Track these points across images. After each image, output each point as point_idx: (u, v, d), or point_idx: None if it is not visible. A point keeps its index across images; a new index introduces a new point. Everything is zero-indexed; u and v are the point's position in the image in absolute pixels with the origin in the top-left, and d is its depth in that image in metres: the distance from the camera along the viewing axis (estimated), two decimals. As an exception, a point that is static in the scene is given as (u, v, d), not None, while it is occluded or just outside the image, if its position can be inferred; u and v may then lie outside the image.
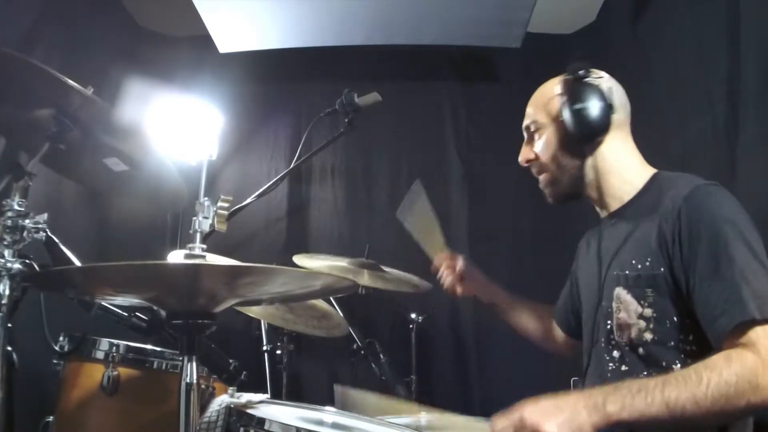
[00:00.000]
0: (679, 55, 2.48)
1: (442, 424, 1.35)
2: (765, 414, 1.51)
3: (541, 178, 1.64)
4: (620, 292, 1.43)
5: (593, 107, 1.48)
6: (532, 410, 1.18)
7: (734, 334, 1.20)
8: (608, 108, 1.49)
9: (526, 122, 1.66)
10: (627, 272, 1.43)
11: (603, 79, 1.52)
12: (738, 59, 2.06)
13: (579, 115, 1.48)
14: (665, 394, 1.14)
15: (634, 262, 1.41)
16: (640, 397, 1.15)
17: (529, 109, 1.66)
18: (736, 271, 1.23)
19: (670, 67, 2.51)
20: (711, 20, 2.24)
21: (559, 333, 1.93)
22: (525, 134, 1.68)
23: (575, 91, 1.50)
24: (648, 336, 1.37)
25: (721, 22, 2.16)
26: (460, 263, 2.00)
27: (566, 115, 1.50)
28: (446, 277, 2.01)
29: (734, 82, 2.09)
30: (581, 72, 1.51)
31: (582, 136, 1.51)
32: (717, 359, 1.17)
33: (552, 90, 1.59)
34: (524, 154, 1.66)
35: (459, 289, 2.00)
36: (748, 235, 1.28)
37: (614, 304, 1.45)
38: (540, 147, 1.61)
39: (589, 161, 1.55)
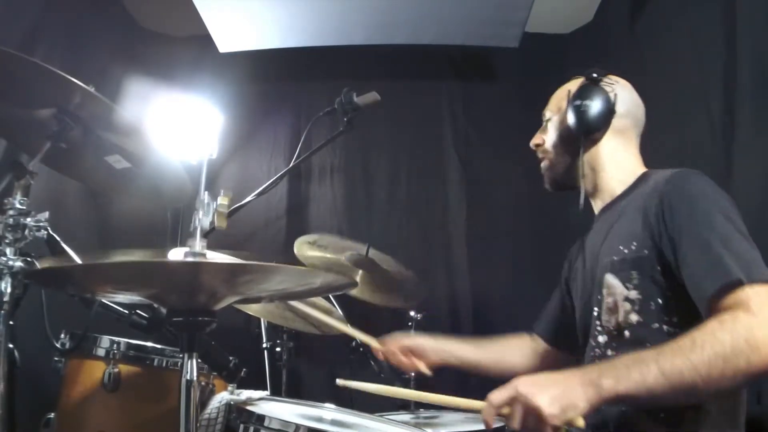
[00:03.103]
0: (676, 54, 2.49)
1: (438, 403, 1.36)
2: (762, 413, 1.54)
3: (541, 164, 1.75)
4: (608, 277, 1.46)
5: (592, 107, 1.57)
6: (526, 383, 1.19)
7: (721, 298, 1.20)
8: (608, 111, 1.58)
9: (544, 111, 1.76)
10: (614, 258, 1.46)
11: (614, 86, 1.60)
12: (734, 58, 2.08)
13: (577, 110, 1.59)
14: (660, 363, 1.12)
15: (621, 247, 1.45)
16: (636, 368, 1.14)
17: (550, 100, 1.77)
18: (717, 240, 1.25)
19: (667, 66, 2.52)
20: (708, 20, 2.25)
21: (540, 348, 1.90)
22: (544, 123, 1.78)
23: (581, 90, 1.60)
24: (634, 318, 1.39)
25: (717, 22, 2.18)
26: (404, 342, 1.93)
27: (569, 109, 1.61)
28: (401, 362, 1.93)
29: (731, 82, 2.10)
30: (594, 75, 1.61)
31: (575, 130, 1.60)
32: (709, 322, 1.16)
33: (568, 87, 1.69)
34: (534, 139, 1.77)
35: (423, 368, 1.94)
36: (726, 209, 1.32)
37: (603, 290, 1.48)
38: (548, 136, 1.72)
39: (585, 156, 1.63)
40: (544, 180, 1.74)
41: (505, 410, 1.20)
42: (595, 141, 1.62)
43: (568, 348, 1.82)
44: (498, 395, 1.21)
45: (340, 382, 1.48)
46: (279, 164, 3.44)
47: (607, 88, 1.59)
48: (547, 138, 1.71)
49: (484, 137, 3.48)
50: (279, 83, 3.56)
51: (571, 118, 1.60)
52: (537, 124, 1.79)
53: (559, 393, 1.15)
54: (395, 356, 1.92)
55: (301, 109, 3.51)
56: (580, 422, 1.15)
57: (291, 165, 2.27)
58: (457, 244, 3.37)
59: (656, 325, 1.36)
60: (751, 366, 1.10)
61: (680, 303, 1.33)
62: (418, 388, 2.77)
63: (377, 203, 3.45)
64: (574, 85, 1.66)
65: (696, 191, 1.36)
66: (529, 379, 1.20)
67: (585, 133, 1.60)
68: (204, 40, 3.22)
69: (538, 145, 1.75)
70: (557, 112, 1.70)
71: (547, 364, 1.87)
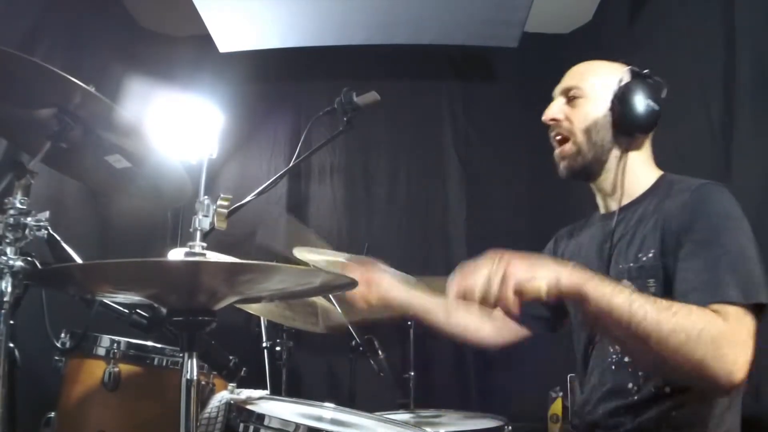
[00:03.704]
0: (675, 54, 2.49)
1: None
2: (761, 411, 1.54)
3: (564, 147, 1.58)
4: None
5: (650, 107, 1.48)
6: (502, 253, 1.21)
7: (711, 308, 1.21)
8: (659, 114, 1.50)
9: (568, 84, 1.60)
10: (631, 264, 1.45)
11: (663, 89, 1.54)
12: (733, 58, 2.08)
13: (636, 107, 1.48)
14: (632, 298, 1.16)
15: (640, 255, 1.44)
16: (610, 285, 1.18)
17: (576, 74, 1.61)
18: (724, 255, 1.26)
19: (666, 66, 2.51)
20: (707, 20, 2.26)
21: (500, 318, 1.82)
22: (560, 96, 1.62)
23: (642, 86, 1.49)
24: None
25: (716, 22, 2.18)
26: (370, 274, 1.76)
27: (624, 102, 1.49)
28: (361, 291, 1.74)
29: (730, 81, 2.11)
30: (648, 71, 1.53)
31: (628, 129, 1.51)
32: (693, 306, 1.18)
33: (613, 70, 1.57)
34: (553, 112, 1.59)
35: (372, 301, 1.74)
36: (745, 229, 1.33)
37: None
38: (577, 115, 1.56)
39: (620, 153, 1.55)
40: (561, 167, 1.60)
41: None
42: (637, 142, 1.55)
43: (532, 326, 1.81)
44: (485, 261, 1.23)
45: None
46: (279, 164, 3.45)
47: (662, 91, 1.52)
48: (577, 118, 1.55)
49: (483, 137, 3.49)
50: (279, 83, 3.57)
51: (626, 112, 1.48)
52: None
53: (533, 261, 1.20)
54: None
55: (301, 109, 3.52)
56: (543, 291, 1.17)
57: (291, 165, 2.28)
58: (456, 244, 3.38)
59: None
60: (703, 365, 1.13)
61: None
62: (418, 389, 2.79)
63: (377, 203, 3.46)
64: (620, 70, 1.55)
65: (720, 208, 1.35)
66: (515, 252, 1.22)
67: (633, 132, 1.52)
68: (204, 40, 3.23)
69: (557, 120, 1.58)
70: (598, 93, 1.54)
71: (506, 335, 1.83)
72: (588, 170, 1.58)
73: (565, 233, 1.82)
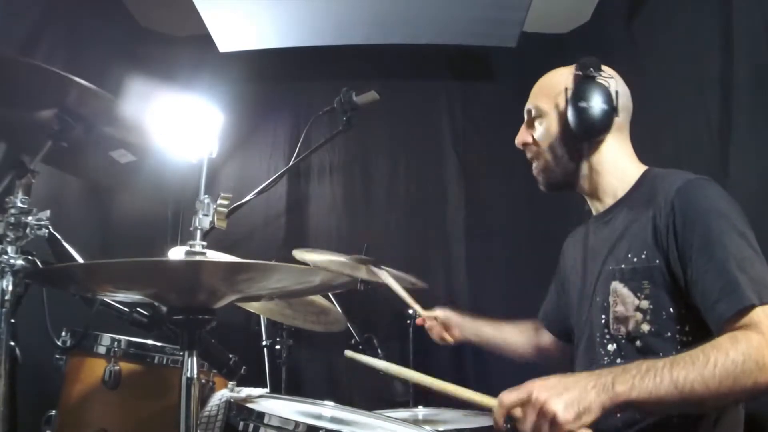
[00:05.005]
0: (672, 53, 2.50)
1: (450, 392, 1.36)
2: (759, 411, 1.55)
3: (535, 164, 1.66)
4: (616, 285, 1.45)
5: (597, 108, 1.49)
6: (540, 387, 1.18)
7: (734, 319, 1.22)
8: (612, 110, 1.50)
9: (528, 105, 1.66)
10: (623, 266, 1.44)
11: (612, 80, 1.52)
12: (731, 59, 2.08)
13: (583, 113, 1.49)
14: (674, 375, 1.14)
15: (630, 255, 1.43)
16: (649, 377, 1.15)
17: (535, 92, 1.67)
18: (731, 259, 1.26)
19: (664, 66, 2.53)
20: (704, 20, 2.26)
21: (548, 340, 1.94)
22: (525, 116, 1.68)
23: (583, 89, 1.51)
24: (645, 328, 1.39)
25: (714, 22, 2.19)
26: (440, 315, 2.10)
27: (570, 111, 1.51)
28: (433, 332, 2.11)
29: (727, 81, 2.11)
30: (591, 69, 1.52)
31: (582, 135, 1.52)
32: (723, 340, 1.18)
33: (560, 80, 1.59)
34: (521, 137, 1.67)
35: (449, 338, 2.09)
36: (740, 225, 1.31)
37: (611, 298, 1.46)
38: (539, 134, 1.62)
39: (587, 158, 1.57)
40: (539, 182, 1.67)
41: (517, 412, 1.19)
42: (598, 142, 1.55)
43: (566, 338, 1.85)
44: (510, 396, 1.20)
45: (348, 353, 1.48)
46: (278, 163, 3.45)
47: (605, 84, 1.50)
48: (540, 137, 1.61)
49: (482, 136, 3.48)
50: (278, 82, 3.57)
51: (574, 120, 1.50)
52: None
53: (574, 397, 1.15)
54: (434, 326, 2.09)
55: (300, 109, 3.52)
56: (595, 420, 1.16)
57: (290, 164, 2.29)
58: (455, 243, 3.38)
59: (668, 334, 1.37)
60: (757, 385, 1.14)
61: (692, 312, 1.33)
62: (416, 386, 2.79)
63: (376, 202, 3.46)
64: (567, 77, 1.56)
65: (709, 206, 1.34)
66: (543, 382, 1.19)
67: (591, 137, 1.53)
68: (204, 39, 3.23)
69: (526, 144, 1.65)
70: (552, 108, 1.59)
71: (548, 351, 1.94)
72: (563, 181, 1.63)
73: (570, 242, 1.83)
